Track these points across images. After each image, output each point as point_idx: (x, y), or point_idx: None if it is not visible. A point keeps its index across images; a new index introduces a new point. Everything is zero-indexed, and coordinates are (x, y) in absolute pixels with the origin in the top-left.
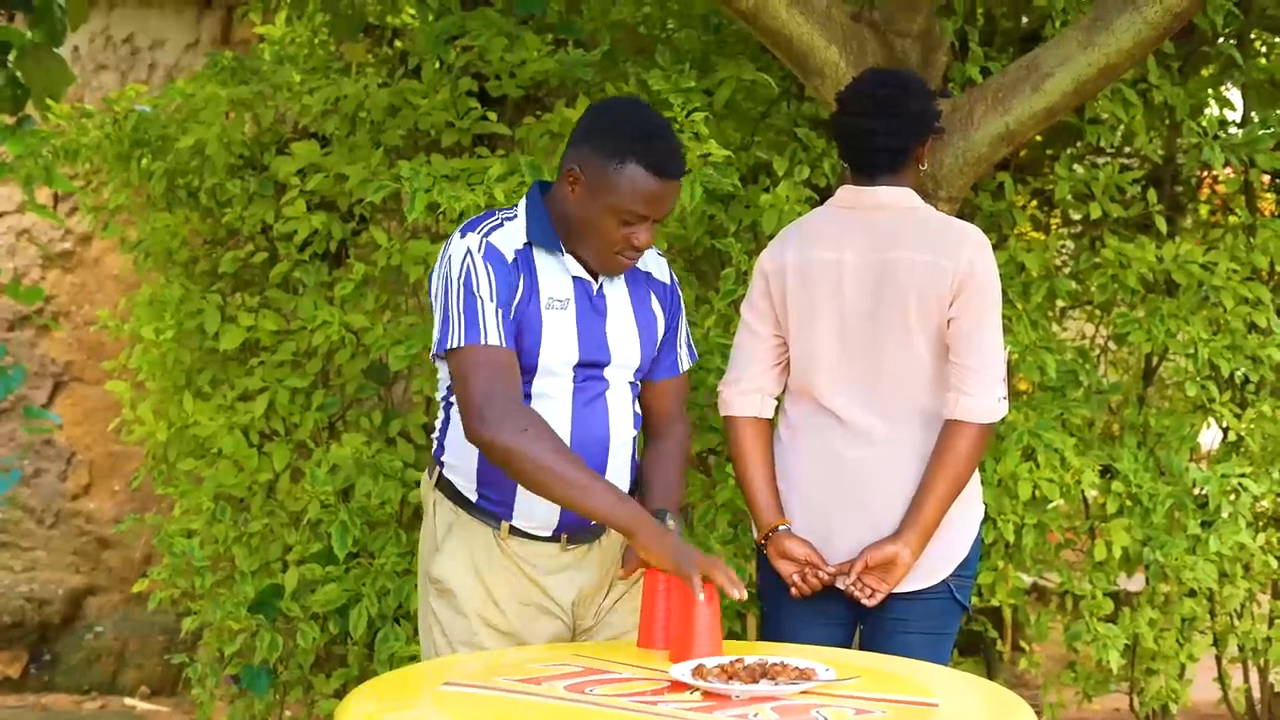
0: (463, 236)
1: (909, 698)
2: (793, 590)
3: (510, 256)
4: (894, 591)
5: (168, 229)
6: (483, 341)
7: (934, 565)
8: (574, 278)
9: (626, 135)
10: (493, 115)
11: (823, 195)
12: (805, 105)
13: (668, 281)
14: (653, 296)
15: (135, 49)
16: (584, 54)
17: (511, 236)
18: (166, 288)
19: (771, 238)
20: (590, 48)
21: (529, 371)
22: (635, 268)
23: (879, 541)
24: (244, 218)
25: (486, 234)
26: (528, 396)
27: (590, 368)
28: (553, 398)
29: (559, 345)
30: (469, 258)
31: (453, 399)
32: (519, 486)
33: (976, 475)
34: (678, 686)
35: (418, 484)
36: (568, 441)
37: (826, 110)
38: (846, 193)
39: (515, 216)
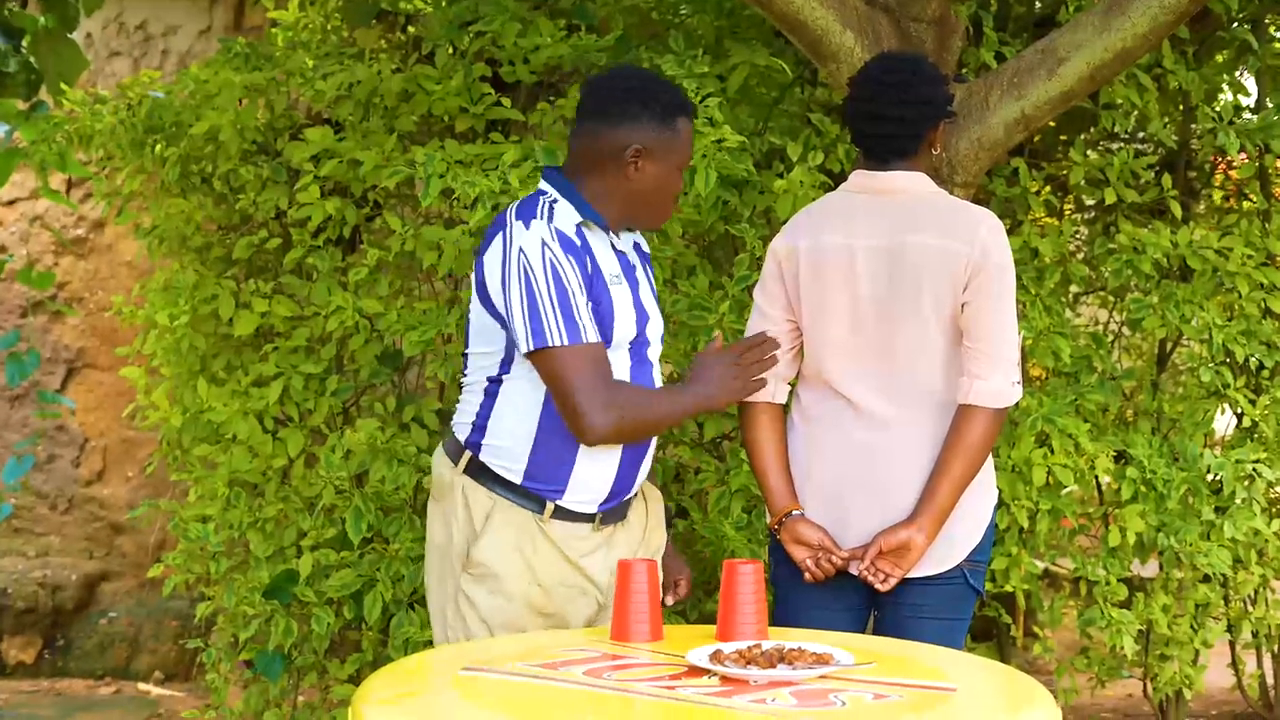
0: (528, 226)
1: (927, 682)
2: (806, 575)
3: (577, 240)
4: (908, 577)
5: (182, 215)
6: (584, 339)
7: (948, 550)
8: (616, 252)
9: (663, 97)
10: (506, 101)
11: (837, 181)
12: (819, 90)
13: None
14: (648, 265)
15: (148, 35)
16: (597, 39)
17: (567, 219)
18: (181, 274)
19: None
20: (603, 33)
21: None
22: (636, 240)
23: (893, 526)
24: (258, 203)
25: (551, 219)
26: None
27: (640, 340)
28: (616, 374)
29: (625, 319)
30: (547, 250)
31: (502, 382)
32: (576, 461)
33: (990, 460)
34: (695, 672)
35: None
36: None
37: (840, 95)
38: (859, 177)
39: (557, 200)
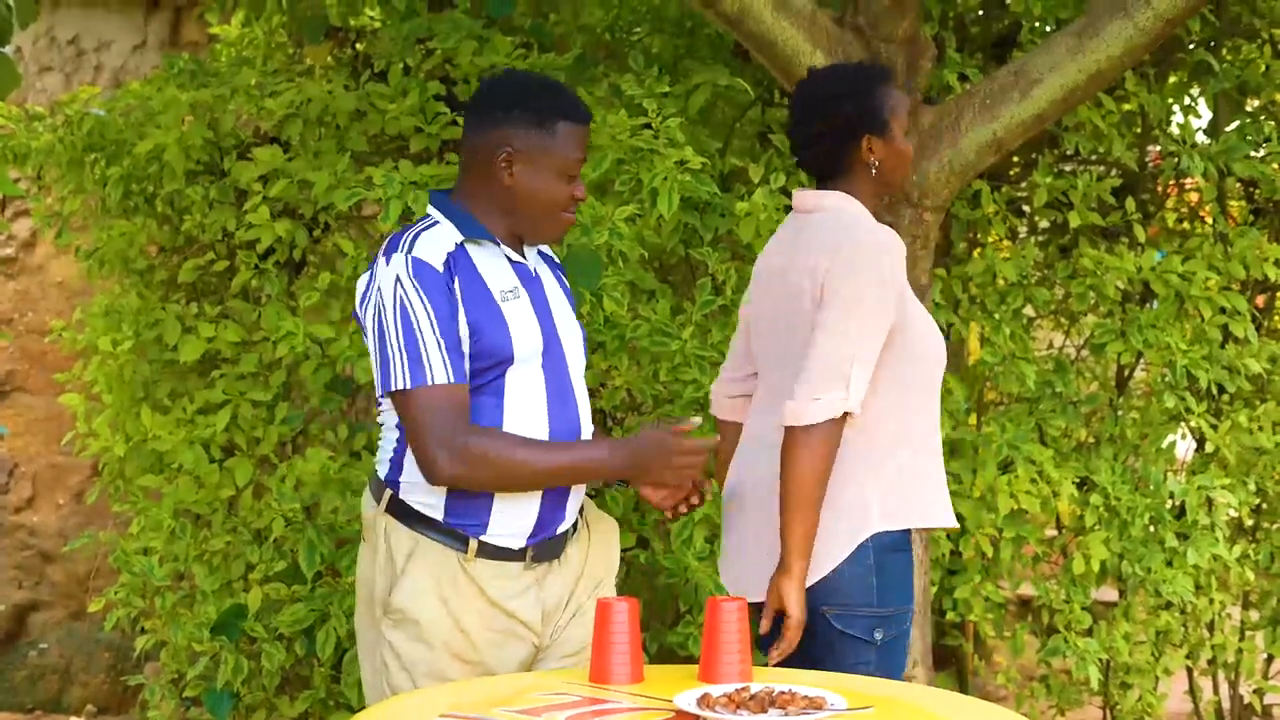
0: (388, 261)
1: None
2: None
3: (441, 263)
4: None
5: (124, 237)
6: (429, 381)
7: None
8: (514, 264)
9: (542, 99)
10: (462, 120)
11: None
12: (778, 111)
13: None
14: (561, 276)
15: (80, 50)
16: (555, 57)
17: (441, 241)
18: (123, 297)
19: (749, 247)
20: (560, 52)
21: (504, 363)
22: (541, 251)
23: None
24: (204, 225)
25: (410, 249)
26: (500, 394)
27: (552, 354)
28: (527, 393)
29: (526, 333)
30: (399, 286)
31: None
32: (495, 495)
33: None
34: (683, 717)
35: None
36: (547, 437)
37: None
38: (796, 197)
39: (437, 222)
